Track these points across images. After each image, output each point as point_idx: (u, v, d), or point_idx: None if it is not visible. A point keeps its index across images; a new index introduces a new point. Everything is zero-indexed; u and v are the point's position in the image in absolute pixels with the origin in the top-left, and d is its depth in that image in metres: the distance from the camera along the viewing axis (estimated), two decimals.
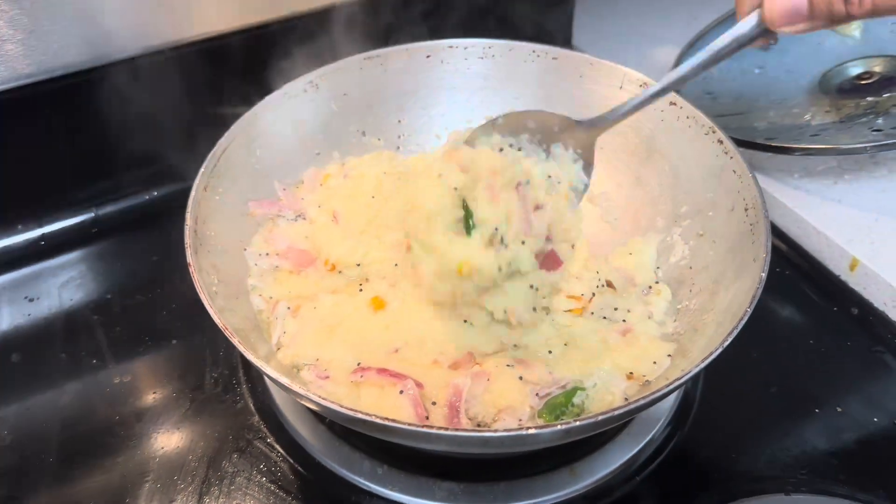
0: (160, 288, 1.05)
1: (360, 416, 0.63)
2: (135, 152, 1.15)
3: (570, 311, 0.89)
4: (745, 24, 0.75)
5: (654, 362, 0.82)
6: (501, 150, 0.84)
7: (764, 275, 0.75)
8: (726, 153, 0.89)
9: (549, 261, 0.83)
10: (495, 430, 0.64)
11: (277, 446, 0.86)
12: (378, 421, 0.63)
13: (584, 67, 1.05)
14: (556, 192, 0.84)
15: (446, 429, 0.64)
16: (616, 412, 0.63)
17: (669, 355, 0.82)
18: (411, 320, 0.86)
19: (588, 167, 0.87)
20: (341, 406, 0.64)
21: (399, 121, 1.11)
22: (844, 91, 1.19)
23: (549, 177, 0.84)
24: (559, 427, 0.63)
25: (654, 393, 0.65)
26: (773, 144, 1.07)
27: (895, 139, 1.01)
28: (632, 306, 0.89)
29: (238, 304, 0.85)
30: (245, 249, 0.93)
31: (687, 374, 0.67)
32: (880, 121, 1.08)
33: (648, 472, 0.84)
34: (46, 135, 1.09)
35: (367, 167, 1.04)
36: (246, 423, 0.89)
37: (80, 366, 0.96)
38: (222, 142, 0.91)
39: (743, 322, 0.71)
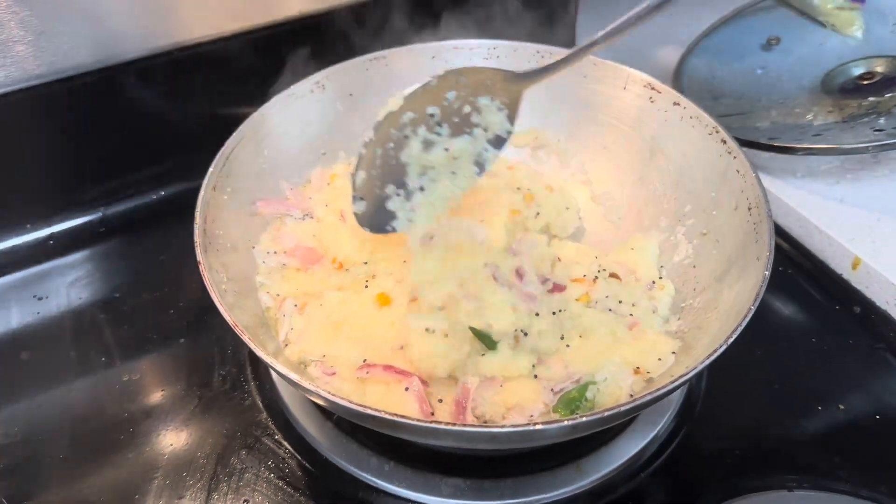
0: (168, 287, 1.06)
1: (368, 411, 0.64)
2: (143, 152, 1.16)
3: (577, 299, 0.90)
4: None
5: (659, 359, 0.82)
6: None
7: (767, 273, 0.75)
8: (730, 153, 0.90)
9: (554, 289, 0.89)
10: (502, 426, 0.65)
11: (285, 443, 0.87)
12: (387, 416, 0.63)
13: (588, 68, 1.05)
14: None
15: (454, 424, 0.65)
16: (623, 408, 0.64)
17: (674, 352, 0.83)
18: None
19: (513, 116, 0.86)
20: (350, 402, 0.64)
21: None
22: (846, 91, 1.19)
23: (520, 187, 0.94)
24: (566, 423, 0.63)
25: (660, 389, 0.65)
26: (775, 144, 1.08)
27: None
28: (637, 300, 0.90)
29: (247, 301, 0.86)
30: (253, 248, 0.94)
31: (692, 370, 0.67)
32: (882, 121, 1.09)
33: (653, 469, 0.85)
34: (55, 135, 1.10)
35: None
36: (254, 420, 0.90)
37: (88, 364, 0.97)
38: (230, 142, 0.92)
39: (747, 320, 0.71)
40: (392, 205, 0.83)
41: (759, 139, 1.09)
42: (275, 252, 0.94)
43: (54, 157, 1.12)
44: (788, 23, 1.36)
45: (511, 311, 0.82)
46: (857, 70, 1.22)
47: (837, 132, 1.10)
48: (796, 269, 1.07)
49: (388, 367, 0.80)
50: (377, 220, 0.83)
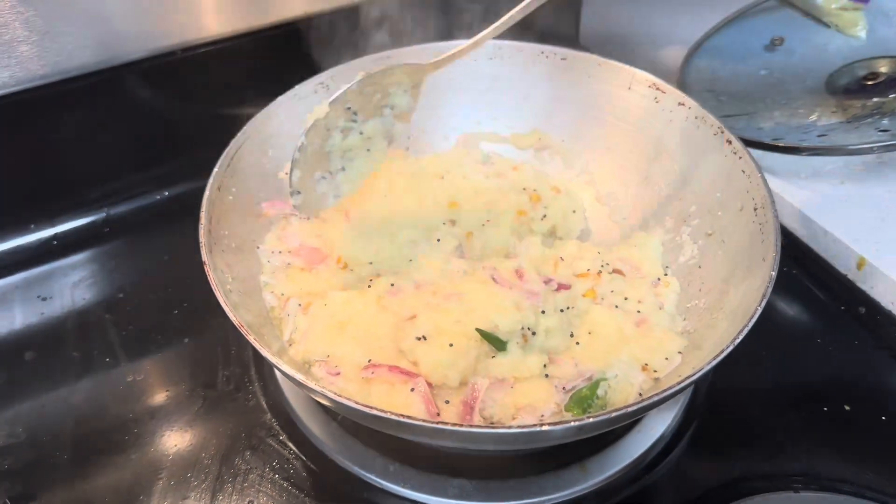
0: (172, 287, 1.06)
1: (374, 412, 0.64)
2: (147, 152, 1.16)
3: (584, 295, 0.90)
4: None
5: (666, 358, 0.82)
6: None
7: (774, 273, 0.75)
8: (735, 153, 0.90)
9: (559, 288, 0.89)
10: (508, 427, 0.65)
11: (290, 444, 0.87)
12: (392, 417, 0.63)
13: (593, 68, 1.05)
14: None
15: (460, 425, 0.65)
16: (630, 409, 0.64)
17: (680, 352, 0.83)
18: None
19: (416, 95, 0.96)
20: (356, 402, 0.64)
21: None
22: (851, 92, 1.19)
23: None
24: (572, 424, 0.63)
25: (668, 389, 0.65)
26: (779, 145, 1.08)
27: None
28: (643, 297, 0.90)
29: (251, 301, 0.86)
30: (258, 247, 0.94)
31: (699, 371, 0.67)
32: (886, 121, 1.09)
33: (658, 470, 0.85)
34: (59, 135, 1.10)
35: (381, 166, 1.05)
36: (258, 420, 0.90)
37: (92, 364, 0.97)
38: (235, 142, 0.92)
39: (753, 320, 0.71)
40: (320, 188, 0.93)
41: (763, 139, 1.08)
42: (279, 252, 0.94)
43: (58, 158, 1.12)
44: (792, 23, 1.35)
45: (515, 309, 0.82)
46: (861, 71, 1.21)
47: (842, 133, 1.10)
48: (801, 269, 1.07)
49: (393, 368, 0.80)
50: (312, 204, 0.93)
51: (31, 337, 1.01)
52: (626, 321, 0.87)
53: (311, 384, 0.67)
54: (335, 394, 0.65)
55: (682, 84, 1.23)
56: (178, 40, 1.10)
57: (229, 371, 0.95)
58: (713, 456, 0.86)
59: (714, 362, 0.68)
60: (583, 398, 0.78)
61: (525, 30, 1.23)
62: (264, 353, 0.70)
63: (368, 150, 0.95)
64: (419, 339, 0.81)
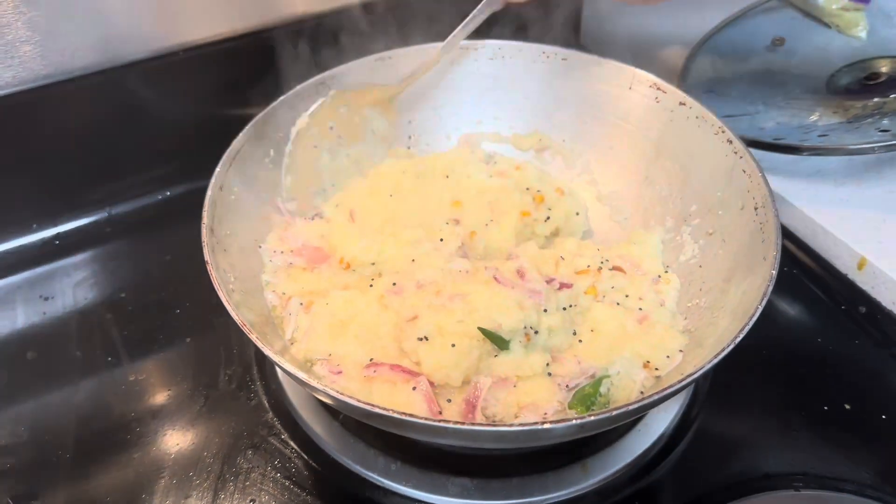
0: (173, 287, 1.06)
1: (376, 410, 0.64)
2: (149, 152, 1.16)
3: (586, 292, 0.90)
4: None
5: (668, 356, 0.82)
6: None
7: (774, 272, 0.75)
8: (736, 153, 0.90)
9: (561, 287, 0.89)
10: (510, 425, 0.65)
11: (292, 443, 0.87)
12: (394, 415, 0.63)
13: (594, 68, 1.05)
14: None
15: (462, 423, 0.65)
16: (631, 407, 0.64)
17: (681, 350, 0.83)
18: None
19: (390, 118, 1.08)
20: (358, 400, 0.64)
21: (409, 121, 1.12)
22: (851, 92, 1.19)
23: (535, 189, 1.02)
24: (573, 422, 0.63)
25: (668, 388, 0.65)
26: (781, 144, 1.08)
27: None
28: (643, 294, 0.90)
29: (253, 300, 0.86)
30: (260, 246, 0.94)
31: (699, 369, 0.67)
32: (886, 121, 1.09)
33: (658, 469, 0.85)
34: (61, 135, 1.10)
35: (385, 166, 1.05)
36: (260, 419, 0.90)
37: (94, 364, 0.97)
38: (237, 142, 0.92)
39: (754, 319, 0.71)
40: (315, 201, 1.03)
41: (764, 139, 1.08)
42: (281, 252, 0.94)
43: (60, 158, 1.12)
44: (793, 24, 1.35)
45: (518, 308, 0.82)
46: (862, 71, 1.22)
47: (842, 132, 1.10)
48: (801, 269, 1.07)
49: (395, 367, 0.80)
50: (308, 211, 1.02)
51: (33, 336, 1.01)
52: (628, 318, 0.87)
53: (313, 382, 0.67)
54: (337, 392, 0.66)
55: (684, 84, 1.23)
56: (179, 40, 1.10)
57: (231, 370, 0.95)
58: (714, 455, 0.86)
59: (715, 360, 0.68)
60: (586, 396, 0.78)
61: (526, 30, 1.24)
62: (266, 351, 0.70)
63: (359, 169, 1.06)
64: (421, 339, 0.81)
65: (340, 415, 0.88)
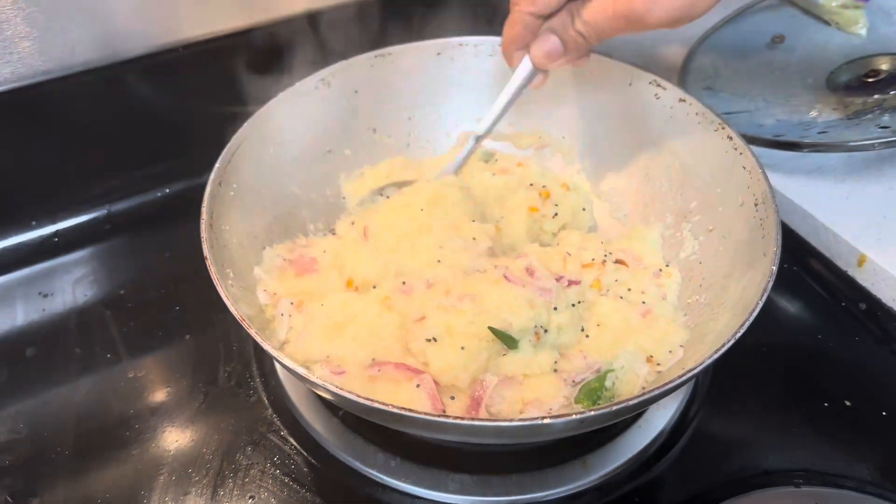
0: (173, 283, 1.06)
1: (376, 405, 0.63)
2: (148, 149, 1.16)
3: (591, 286, 0.90)
4: (522, 71, 0.90)
5: (670, 351, 0.82)
6: None
7: (774, 269, 0.75)
8: (736, 149, 0.90)
9: (570, 284, 0.89)
10: (510, 420, 0.65)
11: (291, 439, 0.87)
12: (394, 410, 0.63)
13: (593, 65, 1.05)
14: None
15: (462, 418, 0.65)
16: (631, 402, 0.63)
17: (682, 346, 0.83)
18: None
19: None
20: (357, 395, 0.64)
21: (409, 118, 1.12)
22: (851, 89, 1.19)
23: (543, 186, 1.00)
24: (573, 417, 0.63)
25: (668, 383, 0.65)
26: (781, 141, 1.08)
27: None
28: (646, 287, 0.90)
29: (253, 296, 0.86)
30: (264, 248, 0.93)
31: (699, 365, 0.67)
32: (886, 118, 1.09)
33: (658, 465, 0.85)
34: (60, 132, 1.10)
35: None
36: (259, 416, 0.90)
37: (94, 360, 0.97)
38: (236, 138, 0.92)
39: (753, 316, 0.71)
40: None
41: (764, 136, 1.08)
42: (279, 256, 0.94)
43: (59, 154, 1.12)
44: (793, 21, 1.36)
45: (528, 307, 0.81)
46: (862, 68, 1.22)
47: (842, 129, 1.10)
48: (801, 265, 1.07)
49: (399, 365, 0.80)
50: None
51: (32, 333, 1.01)
52: (633, 312, 0.87)
53: (312, 378, 0.67)
54: (337, 387, 0.65)
55: (683, 81, 1.23)
56: (179, 36, 1.10)
57: (230, 367, 0.95)
58: (714, 451, 0.86)
59: (715, 356, 0.68)
60: (592, 390, 0.78)
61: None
62: (266, 346, 0.70)
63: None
64: (429, 340, 0.80)
65: (340, 411, 0.88)
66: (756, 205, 0.85)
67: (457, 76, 1.10)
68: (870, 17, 1.31)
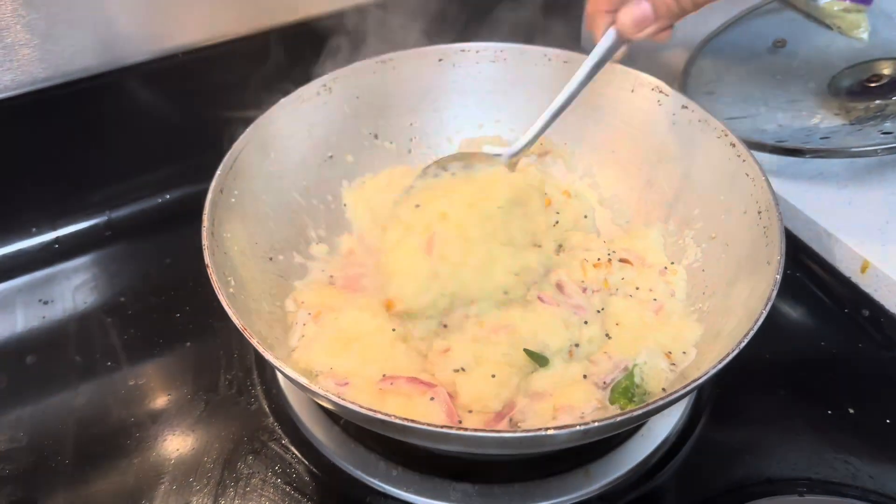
0: (173, 291, 1.05)
1: (379, 416, 0.63)
2: (148, 155, 1.16)
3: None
4: (606, 40, 0.85)
5: (684, 352, 0.83)
6: None
7: (779, 277, 0.75)
8: (739, 156, 0.90)
9: (594, 293, 0.90)
10: (513, 431, 0.64)
11: (292, 448, 0.87)
12: (397, 421, 0.63)
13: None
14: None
15: (465, 429, 0.64)
16: (635, 413, 0.63)
17: (695, 346, 0.84)
18: None
19: None
20: (360, 406, 0.64)
21: (411, 124, 1.12)
22: (853, 94, 1.19)
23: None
24: (577, 427, 0.63)
25: (672, 394, 0.65)
26: (783, 147, 1.07)
27: None
28: (653, 285, 0.91)
29: (255, 304, 0.86)
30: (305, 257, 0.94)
31: (704, 375, 0.67)
32: (888, 123, 1.09)
33: (661, 474, 0.84)
34: (61, 138, 1.10)
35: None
36: (261, 424, 0.89)
37: (94, 368, 0.96)
38: (238, 144, 0.92)
39: (758, 325, 0.71)
40: None
41: (766, 142, 1.08)
42: (323, 270, 0.94)
43: (60, 161, 1.11)
44: (795, 26, 1.35)
45: (564, 327, 0.82)
46: (864, 73, 1.21)
47: (845, 135, 1.10)
48: (804, 272, 1.07)
49: (411, 379, 0.79)
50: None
51: (32, 341, 1.01)
52: (646, 309, 0.87)
53: (313, 387, 0.67)
54: (339, 397, 0.65)
55: (685, 87, 1.23)
56: (179, 43, 1.10)
57: (231, 375, 0.95)
58: (717, 460, 0.86)
59: (719, 366, 0.67)
60: (625, 389, 0.78)
61: (528, 33, 1.24)
62: (266, 355, 0.69)
63: None
64: (457, 371, 0.79)
65: (341, 420, 0.87)
66: (759, 213, 0.84)
67: (458, 82, 1.10)
68: (872, 21, 1.31)
